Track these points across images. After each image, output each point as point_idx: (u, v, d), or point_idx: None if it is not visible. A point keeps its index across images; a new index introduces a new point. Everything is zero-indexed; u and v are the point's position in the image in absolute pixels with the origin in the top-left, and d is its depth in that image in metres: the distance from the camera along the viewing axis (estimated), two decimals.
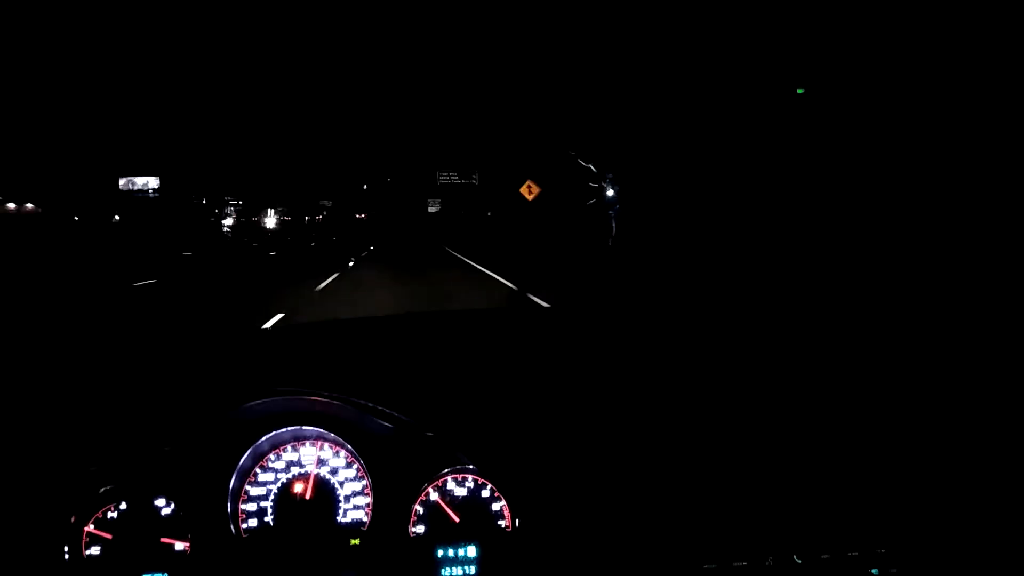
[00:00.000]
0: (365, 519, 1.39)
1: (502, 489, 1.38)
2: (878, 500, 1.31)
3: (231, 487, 1.36)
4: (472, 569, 1.35)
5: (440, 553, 1.35)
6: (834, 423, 1.38)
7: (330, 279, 14.99)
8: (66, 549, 1.29)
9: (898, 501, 1.31)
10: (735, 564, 1.24)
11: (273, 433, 1.40)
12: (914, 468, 1.33)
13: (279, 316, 9.24)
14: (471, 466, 1.40)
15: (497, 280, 14.87)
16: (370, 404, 1.35)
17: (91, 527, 1.32)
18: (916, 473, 1.32)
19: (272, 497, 1.40)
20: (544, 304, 9.31)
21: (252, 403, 1.35)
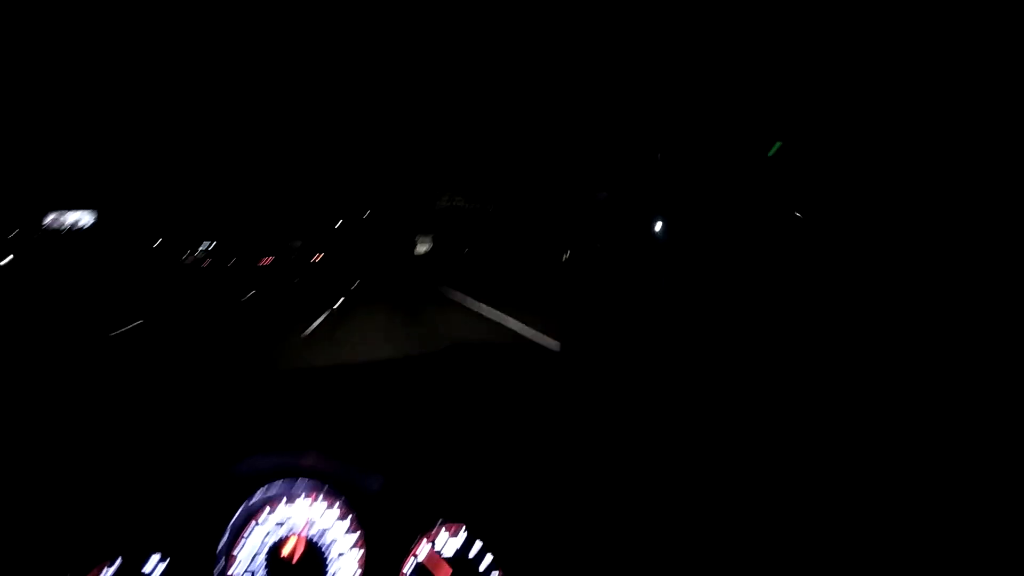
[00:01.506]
0: (359, 572, 1.40)
1: (491, 546, 1.40)
2: (878, 504, 1.33)
3: (222, 545, 1.37)
4: None
5: None
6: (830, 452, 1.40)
7: None
8: None
9: (901, 498, 1.32)
10: None
11: (265, 488, 1.42)
12: (915, 464, 1.34)
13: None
14: (462, 524, 1.42)
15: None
16: (362, 462, 1.38)
17: None
18: (917, 470, 1.34)
19: (263, 558, 1.41)
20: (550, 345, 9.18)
21: (245, 461, 1.38)
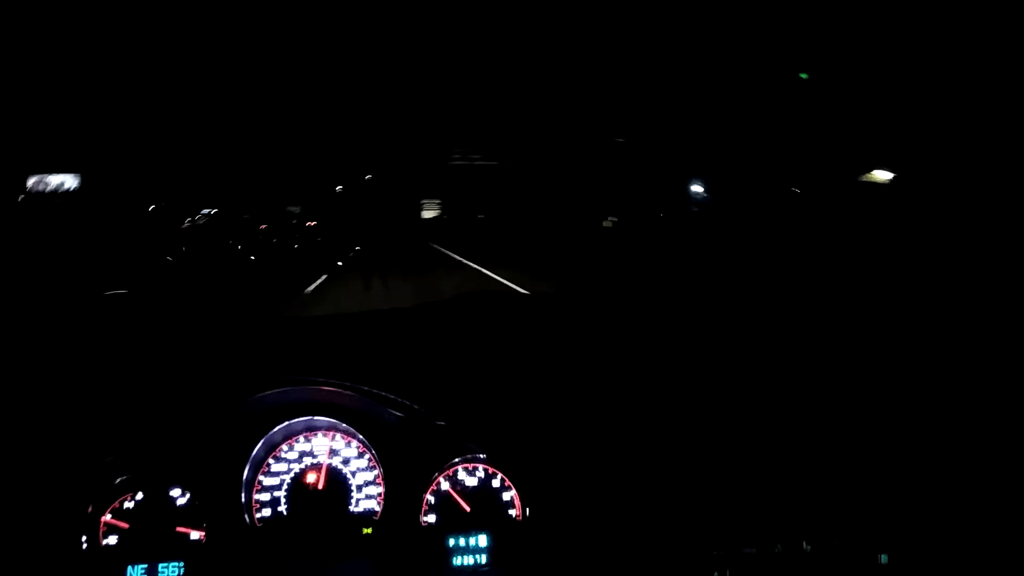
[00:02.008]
0: (377, 508, 1.41)
1: (512, 478, 1.42)
2: (885, 488, 1.34)
3: (245, 477, 1.38)
4: (483, 558, 1.37)
5: (451, 542, 1.37)
6: (841, 412, 1.40)
7: None
8: (84, 539, 1.31)
9: (905, 489, 1.33)
10: (744, 551, 1.27)
11: (286, 423, 1.42)
12: (919, 458, 1.35)
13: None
14: (482, 455, 1.43)
15: None
16: (380, 393, 1.38)
17: (108, 517, 1.34)
18: (921, 463, 1.35)
19: (285, 487, 1.42)
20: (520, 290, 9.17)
21: (265, 393, 1.38)
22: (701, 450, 1.37)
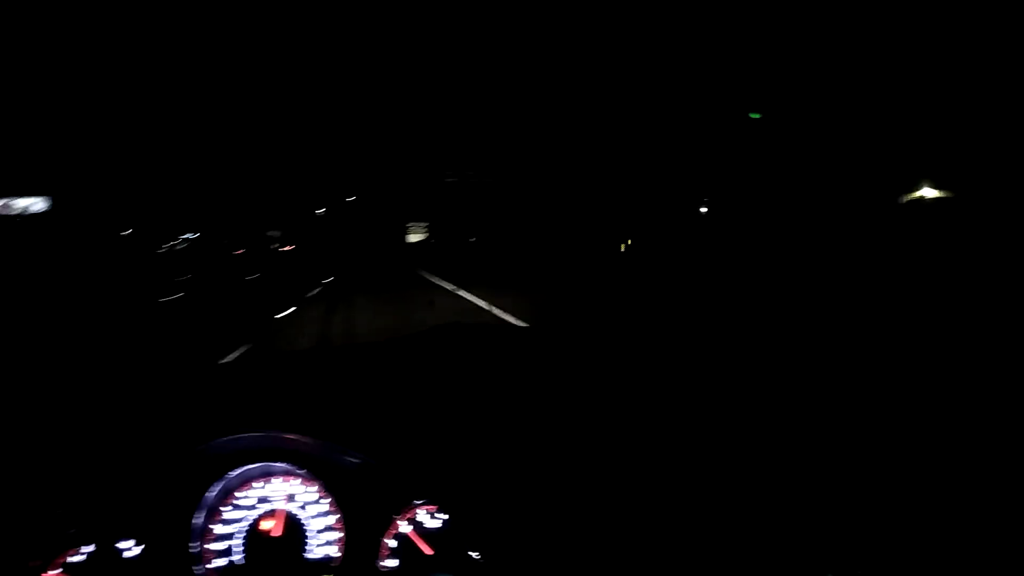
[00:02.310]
0: (337, 554, 1.38)
1: (464, 526, 1.40)
2: (899, 516, 1.32)
3: (198, 525, 1.34)
4: None
5: None
6: (844, 447, 1.40)
7: None
8: None
9: (921, 518, 1.31)
10: None
11: (241, 470, 1.39)
12: (923, 481, 1.34)
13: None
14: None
15: None
16: (338, 442, 1.37)
17: (52, 573, 1.29)
18: (925, 487, 1.34)
19: (241, 535, 1.39)
20: (517, 323, 9.12)
21: (219, 440, 1.35)
22: (684, 501, 1.35)
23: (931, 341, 1.63)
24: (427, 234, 44.82)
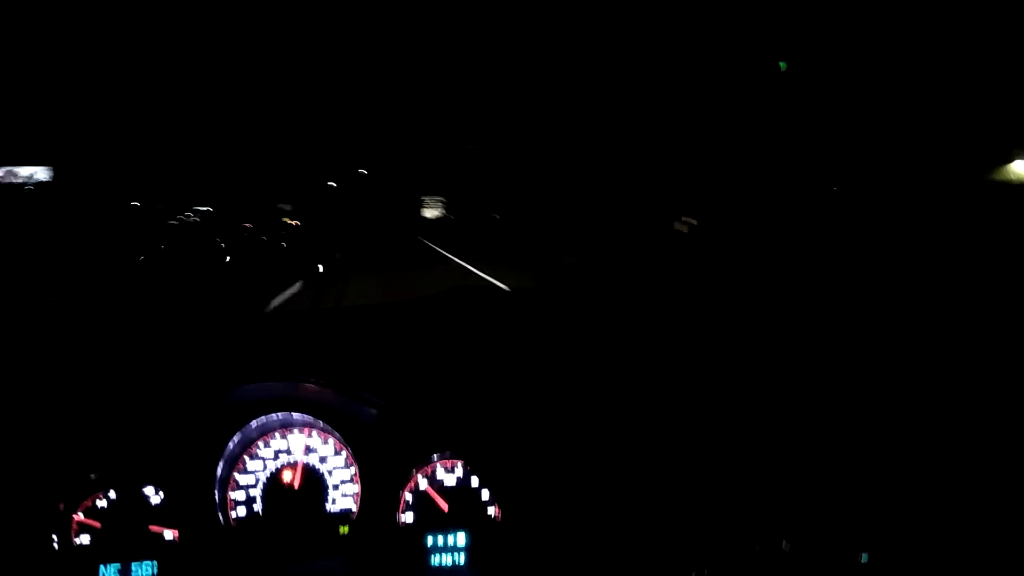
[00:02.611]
0: (354, 507, 1.40)
1: (487, 481, 1.41)
2: (866, 486, 1.33)
3: (219, 475, 1.36)
4: (462, 557, 1.36)
5: (430, 541, 1.36)
6: (821, 410, 1.39)
7: None
8: (55, 538, 1.28)
9: (885, 488, 1.32)
10: (723, 550, 1.26)
11: (262, 419, 1.40)
12: (898, 456, 1.34)
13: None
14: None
15: None
16: (357, 391, 1.37)
17: (80, 515, 1.32)
18: (900, 461, 1.34)
19: (261, 486, 1.41)
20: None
21: (240, 388, 1.36)
22: (681, 449, 1.36)
23: (931, 340, 1.62)
24: (444, 211, 41.78)
